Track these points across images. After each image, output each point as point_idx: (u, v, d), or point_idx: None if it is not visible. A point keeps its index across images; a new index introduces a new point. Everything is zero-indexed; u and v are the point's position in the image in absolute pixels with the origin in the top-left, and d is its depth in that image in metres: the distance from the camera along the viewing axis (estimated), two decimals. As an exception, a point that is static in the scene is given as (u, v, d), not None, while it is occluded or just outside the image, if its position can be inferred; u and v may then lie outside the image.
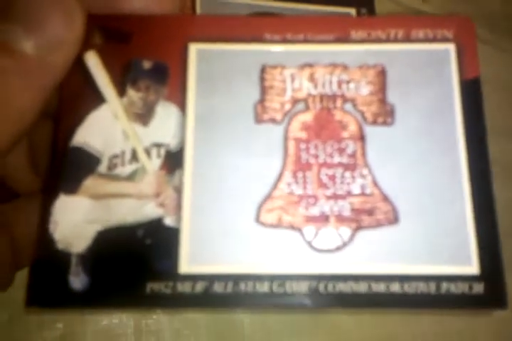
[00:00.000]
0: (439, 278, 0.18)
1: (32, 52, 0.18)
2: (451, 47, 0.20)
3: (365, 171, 0.19)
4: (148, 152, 0.19)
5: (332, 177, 0.19)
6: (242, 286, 0.18)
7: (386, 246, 0.18)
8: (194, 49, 0.20)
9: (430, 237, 0.18)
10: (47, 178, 0.19)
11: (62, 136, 0.19)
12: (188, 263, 0.18)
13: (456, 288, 0.18)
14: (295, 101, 0.20)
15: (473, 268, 0.18)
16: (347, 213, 0.18)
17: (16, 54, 0.18)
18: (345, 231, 0.18)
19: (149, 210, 0.18)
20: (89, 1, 0.19)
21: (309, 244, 0.18)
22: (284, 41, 0.20)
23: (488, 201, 0.18)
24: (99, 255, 0.18)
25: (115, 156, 0.19)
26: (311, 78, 0.20)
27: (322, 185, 0.19)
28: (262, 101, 0.20)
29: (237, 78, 0.20)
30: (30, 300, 0.17)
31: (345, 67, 0.20)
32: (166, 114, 0.19)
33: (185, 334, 0.26)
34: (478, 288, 0.18)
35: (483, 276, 0.18)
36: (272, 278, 0.18)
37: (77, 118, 0.19)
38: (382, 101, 0.20)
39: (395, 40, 0.20)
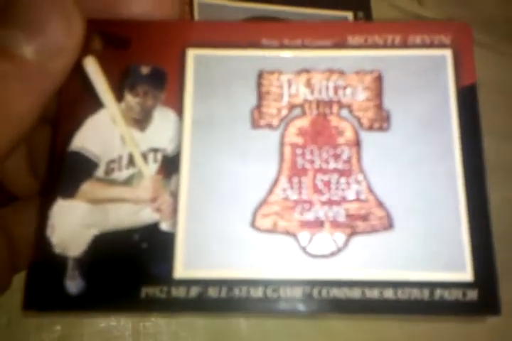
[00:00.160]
0: (433, 285, 0.18)
1: (32, 57, 0.18)
2: (448, 53, 0.20)
3: (360, 177, 0.19)
4: (145, 157, 0.19)
5: (327, 183, 0.19)
6: (237, 291, 0.18)
7: (380, 252, 0.18)
8: (192, 54, 0.20)
9: (424, 244, 0.18)
10: (45, 182, 0.19)
11: (61, 141, 0.19)
12: (183, 267, 0.18)
13: (449, 295, 0.18)
14: (292, 107, 0.20)
15: (467, 274, 0.18)
16: (342, 219, 0.19)
17: (16, 59, 0.18)
18: (340, 236, 0.18)
19: (146, 215, 0.18)
20: (88, 6, 0.20)
21: (304, 249, 0.18)
22: (282, 47, 0.20)
23: (483, 208, 0.18)
24: (95, 259, 0.18)
25: (112, 161, 0.19)
26: (308, 84, 0.20)
27: (317, 190, 0.19)
28: (258, 106, 0.20)
29: (235, 83, 0.20)
30: (26, 304, 0.18)
31: (341, 73, 0.20)
32: (163, 119, 0.19)
33: (183, 336, 0.26)
34: (472, 294, 0.18)
35: (477, 283, 0.18)
36: (266, 284, 0.18)
37: (75, 123, 0.19)
38: (379, 106, 0.20)
39: (392, 46, 0.20)
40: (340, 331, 0.27)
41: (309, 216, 0.19)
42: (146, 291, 0.18)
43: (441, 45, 0.20)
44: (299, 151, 0.19)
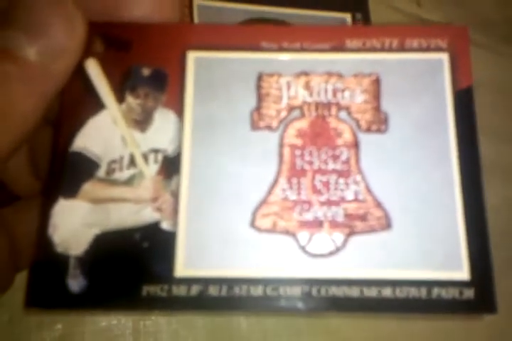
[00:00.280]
0: (430, 284, 0.18)
1: (34, 58, 0.18)
2: (444, 57, 0.20)
3: (358, 178, 0.19)
4: (146, 157, 0.19)
5: (326, 184, 0.19)
6: (237, 290, 0.18)
7: (378, 251, 0.18)
8: (192, 57, 0.20)
9: (422, 243, 0.18)
10: (47, 182, 0.19)
11: (63, 141, 0.19)
12: (183, 266, 0.18)
13: (447, 293, 0.18)
14: (291, 109, 0.20)
15: (463, 273, 0.18)
16: (340, 219, 0.19)
17: (18, 60, 0.18)
18: (339, 236, 0.19)
19: (147, 214, 0.19)
20: (89, 8, 0.20)
21: (303, 248, 0.18)
22: (281, 50, 0.20)
23: (479, 208, 0.19)
24: (97, 258, 0.18)
25: (114, 161, 0.19)
26: (307, 86, 0.20)
27: (316, 191, 0.19)
28: (258, 108, 0.20)
29: (235, 86, 0.20)
30: (28, 302, 0.18)
31: (340, 76, 0.20)
32: (164, 120, 0.20)
33: (183, 335, 0.26)
34: (469, 293, 0.18)
35: (474, 282, 0.18)
36: (266, 282, 0.18)
37: (77, 124, 0.19)
38: (377, 109, 0.20)
39: (390, 49, 0.21)
40: (339, 329, 0.27)
41: (308, 216, 0.19)
42: (147, 290, 0.18)
43: (438, 49, 0.21)
44: (298, 152, 0.19)
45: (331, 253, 0.18)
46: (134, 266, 0.18)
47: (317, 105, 0.20)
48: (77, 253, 0.18)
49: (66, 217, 0.19)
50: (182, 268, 0.18)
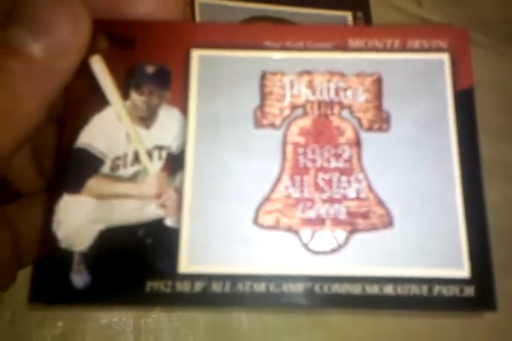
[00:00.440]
0: (431, 281, 0.18)
1: (39, 55, 0.18)
2: (445, 57, 0.21)
3: (360, 176, 0.19)
4: (150, 154, 0.19)
5: (328, 182, 0.19)
6: (240, 286, 0.18)
7: (380, 249, 0.19)
8: (196, 55, 0.20)
9: (423, 241, 0.19)
10: (51, 178, 0.19)
11: (67, 138, 0.19)
12: (187, 262, 0.18)
13: (447, 291, 0.18)
14: (294, 107, 0.20)
15: (464, 271, 0.18)
16: (343, 216, 0.19)
17: (23, 57, 0.18)
18: (341, 234, 0.19)
19: (150, 211, 0.19)
20: (93, 6, 0.20)
21: (306, 246, 0.19)
22: (284, 49, 0.21)
23: (479, 206, 0.19)
24: (101, 254, 0.18)
25: (118, 158, 0.19)
26: (310, 85, 0.20)
27: (319, 188, 0.19)
28: (261, 106, 0.20)
29: (238, 84, 0.20)
30: (33, 297, 0.18)
31: (342, 75, 0.20)
32: (168, 117, 0.20)
33: (184, 333, 0.26)
34: (469, 291, 0.18)
35: (474, 280, 0.18)
36: (268, 279, 0.18)
37: (81, 121, 0.20)
38: (378, 108, 0.20)
39: (392, 50, 0.21)
40: (339, 327, 0.28)
41: (311, 213, 0.19)
42: (151, 285, 0.18)
43: (439, 50, 0.21)
44: (300, 150, 0.20)
45: (333, 251, 0.19)
46: (137, 261, 0.18)
47: (320, 104, 0.20)
48: (81, 248, 0.18)
49: (70, 213, 0.19)
50: (186, 265, 0.18)
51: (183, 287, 0.18)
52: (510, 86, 0.34)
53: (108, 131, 0.20)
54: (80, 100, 0.20)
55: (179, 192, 0.19)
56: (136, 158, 0.19)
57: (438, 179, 0.19)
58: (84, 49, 0.19)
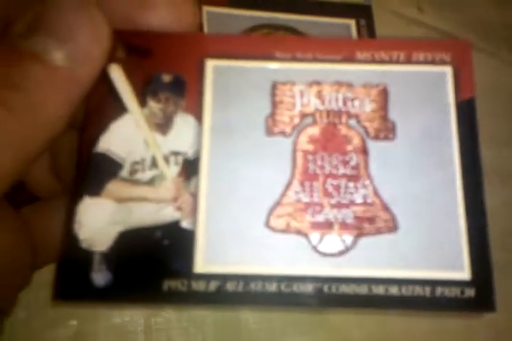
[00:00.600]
0: (434, 283, 0.19)
1: (62, 63, 0.18)
2: (448, 70, 0.22)
3: (367, 182, 0.20)
4: (167, 159, 0.20)
5: (337, 187, 0.20)
6: (253, 286, 0.19)
7: (385, 251, 0.19)
8: (211, 65, 0.21)
9: (426, 245, 0.20)
10: (72, 181, 0.20)
11: (87, 143, 0.20)
12: (202, 263, 0.19)
13: (449, 292, 0.19)
14: (303, 116, 0.21)
15: (465, 274, 0.19)
16: (350, 221, 0.20)
17: (46, 64, 0.18)
18: (348, 237, 0.20)
19: (167, 213, 0.20)
20: (110, 17, 0.20)
21: (315, 248, 0.20)
22: (294, 60, 0.22)
23: (480, 212, 0.20)
24: (120, 254, 0.19)
25: (136, 163, 0.20)
26: (319, 95, 0.21)
27: (327, 194, 0.20)
28: (272, 115, 0.21)
29: (250, 93, 0.21)
30: (56, 294, 0.19)
31: (350, 86, 0.21)
32: (184, 124, 0.21)
33: (193, 332, 0.27)
34: (470, 292, 0.19)
35: (474, 282, 0.19)
36: (280, 279, 0.19)
37: (101, 127, 0.20)
38: (384, 118, 0.21)
39: (397, 62, 0.22)
40: (345, 327, 0.28)
41: (320, 218, 0.20)
42: (168, 284, 0.19)
43: (442, 62, 0.22)
44: (310, 157, 0.21)
45: (341, 253, 0.20)
46: (155, 262, 0.19)
47: (328, 113, 0.21)
48: (101, 249, 0.19)
49: (91, 215, 0.19)
50: (201, 265, 0.19)
51: (199, 286, 0.19)
52: (510, 91, 0.35)
53: (126, 136, 0.20)
54: (100, 107, 0.21)
55: (195, 196, 0.20)
56: (154, 163, 0.20)
57: (440, 185, 0.20)
58: (104, 57, 0.20)
